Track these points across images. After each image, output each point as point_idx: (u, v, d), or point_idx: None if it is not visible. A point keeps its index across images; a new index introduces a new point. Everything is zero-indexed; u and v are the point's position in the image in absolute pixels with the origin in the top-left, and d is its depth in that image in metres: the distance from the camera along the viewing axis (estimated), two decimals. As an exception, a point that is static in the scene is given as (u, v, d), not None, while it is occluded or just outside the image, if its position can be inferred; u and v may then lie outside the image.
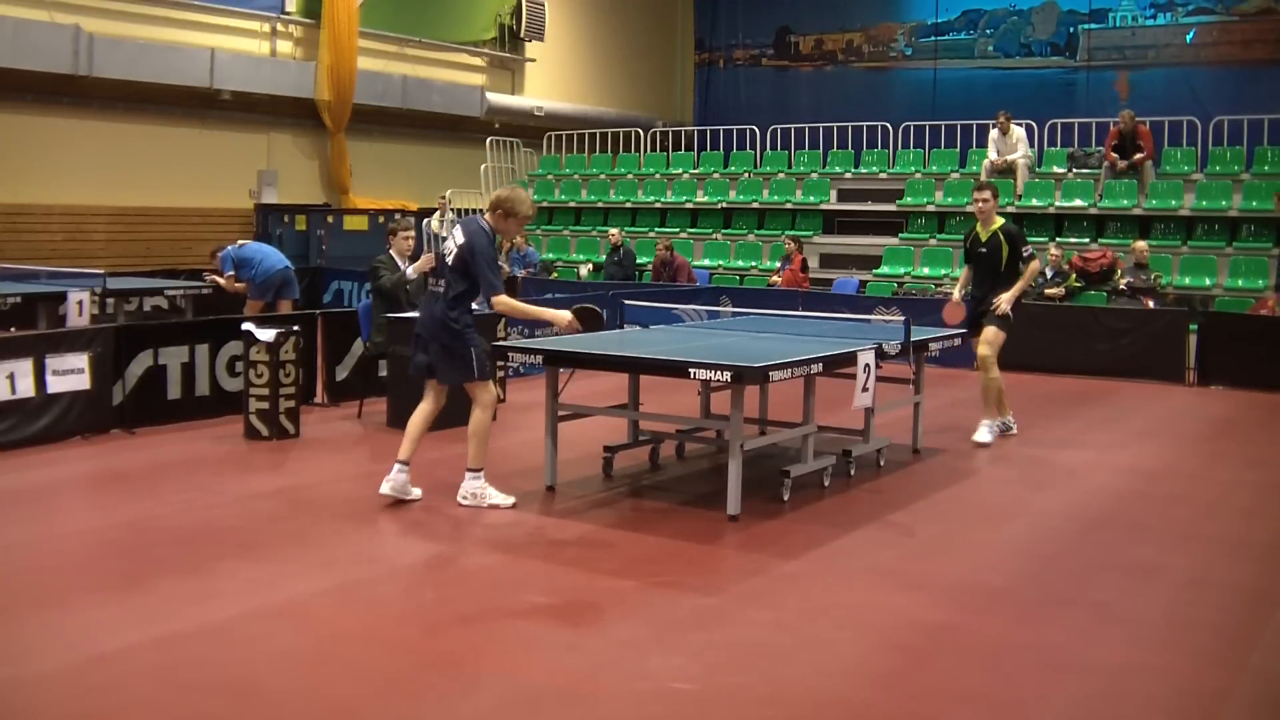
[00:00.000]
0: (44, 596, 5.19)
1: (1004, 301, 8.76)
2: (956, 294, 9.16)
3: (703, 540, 6.22)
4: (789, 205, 18.57)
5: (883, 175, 18.45)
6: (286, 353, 8.68)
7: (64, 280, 12.02)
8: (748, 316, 10.14)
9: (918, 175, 17.98)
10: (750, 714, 4.12)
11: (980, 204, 8.96)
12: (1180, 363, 12.31)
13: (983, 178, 16.93)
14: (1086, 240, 15.82)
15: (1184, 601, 5.43)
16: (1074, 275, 14.49)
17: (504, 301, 6.54)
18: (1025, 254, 8.84)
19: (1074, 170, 16.88)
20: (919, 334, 8.17)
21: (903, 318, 8.28)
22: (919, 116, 20.09)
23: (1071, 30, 22.79)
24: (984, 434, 8.81)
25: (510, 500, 6.73)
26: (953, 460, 8.42)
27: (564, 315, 6.68)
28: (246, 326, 8.72)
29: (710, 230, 18.89)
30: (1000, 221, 8.97)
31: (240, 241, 12.74)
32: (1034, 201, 16.50)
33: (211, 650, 4.56)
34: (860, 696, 4.30)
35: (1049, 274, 14.37)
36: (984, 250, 8.95)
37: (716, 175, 19.80)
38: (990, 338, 8.84)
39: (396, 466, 6.72)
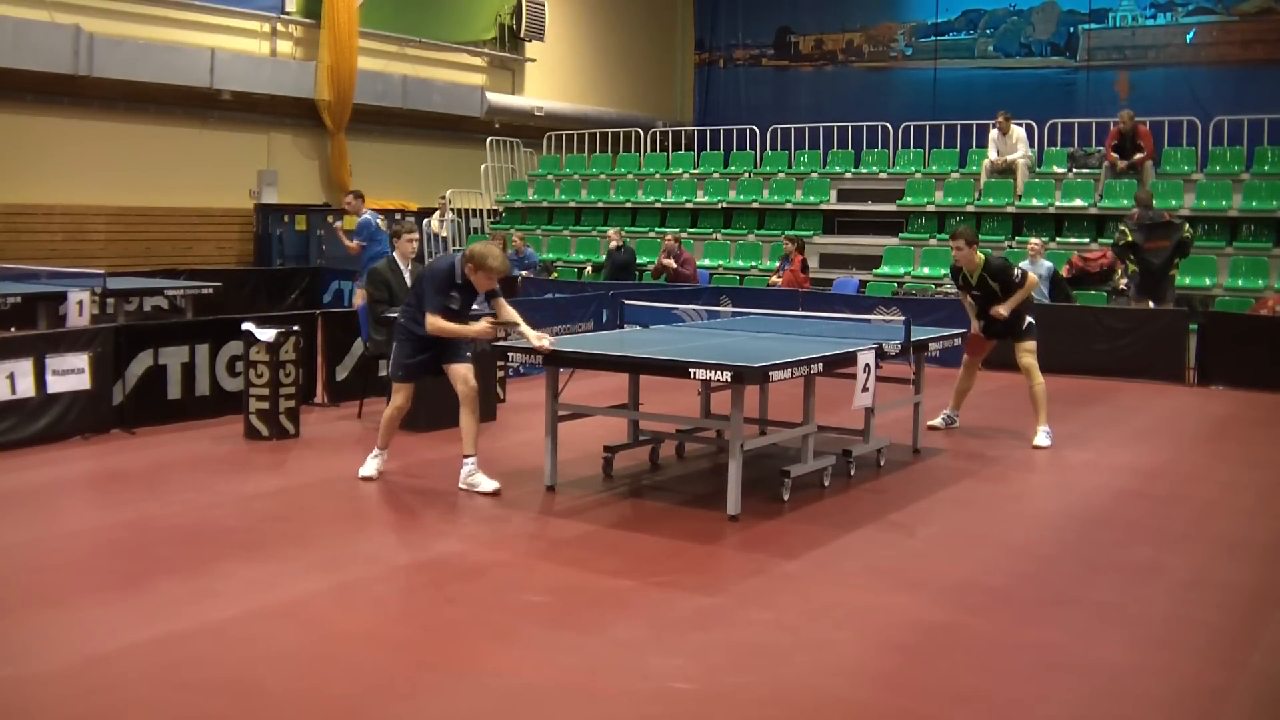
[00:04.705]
0: (44, 596, 5.19)
1: (1003, 308, 8.79)
2: (975, 325, 9.21)
3: (703, 540, 6.22)
4: (789, 205, 18.57)
5: (883, 175, 18.45)
6: (286, 353, 8.68)
7: (64, 280, 12.01)
8: (748, 316, 10.14)
9: (918, 175, 17.97)
10: (750, 714, 4.12)
11: (954, 252, 9.01)
12: (1180, 363, 12.31)
13: (984, 177, 16.99)
14: (1086, 240, 15.81)
15: (1184, 601, 5.43)
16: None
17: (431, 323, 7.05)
18: (1017, 280, 8.86)
19: (1074, 170, 16.88)
20: (919, 334, 8.18)
21: (903, 318, 8.28)
22: (919, 116, 20.09)
23: (1071, 30, 22.80)
24: (1042, 438, 8.80)
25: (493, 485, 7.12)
26: (953, 460, 8.42)
27: (480, 327, 7.10)
28: (246, 326, 8.72)
29: (710, 230, 18.89)
30: (982, 261, 8.89)
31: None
32: (1034, 201, 16.50)
33: (211, 650, 4.56)
34: (860, 696, 4.30)
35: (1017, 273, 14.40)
36: (977, 292, 9.01)
37: (716, 175, 19.80)
38: (1028, 348, 8.91)
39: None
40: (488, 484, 7.07)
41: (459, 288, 7.02)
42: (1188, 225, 13.46)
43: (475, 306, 7.30)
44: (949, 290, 14.32)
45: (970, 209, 16.83)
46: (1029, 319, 8.94)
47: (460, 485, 7.12)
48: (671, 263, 16.30)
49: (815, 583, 5.54)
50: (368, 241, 13.56)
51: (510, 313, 7.23)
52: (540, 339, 6.93)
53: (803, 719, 4.11)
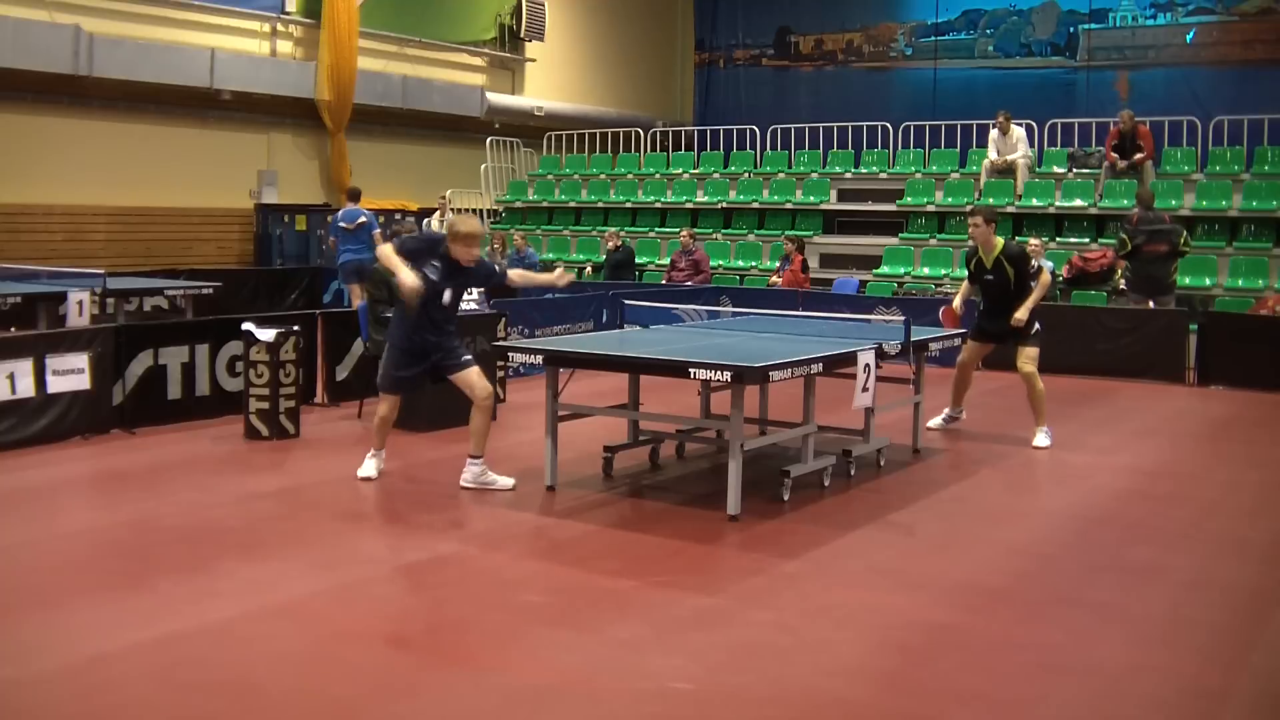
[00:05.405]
0: (44, 596, 5.20)
1: (1022, 312, 8.70)
2: (957, 302, 9.20)
3: (703, 540, 6.22)
4: (789, 205, 18.57)
5: (883, 175, 18.45)
6: (286, 353, 8.68)
7: (64, 280, 12.00)
8: (748, 316, 10.14)
9: (918, 175, 17.97)
10: (750, 714, 4.12)
11: (972, 230, 8.93)
12: (1180, 363, 12.31)
13: (984, 177, 16.99)
14: (1086, 240, 15.81)
15: (1184, 601, 5.43)
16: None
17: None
18: (1033, 270, 8.82)
19: (1074, 170, 16.88)
20: (919, 334, 8.17)
21: (903, 318, 8.28)
22: (919, 116, 20.09)
23: (1071, 30, 22.79)
24: (1042, 439, 8.77)
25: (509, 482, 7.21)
26: (953, 460, 8.42)
27: (409, 281, 6.80)
28: (246, 326, 8.72)
29: (710, 230, 18.88)
30: (1000, 244, 8.83)
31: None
32: (1034, 201, 16.50)
33: (211, 650, 4.56)
34: (860, 696, 4.30)
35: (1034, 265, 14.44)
36: (990, 276, 8.87)
37: (716, 175, 19.80)
38: (1030, 355, 8.83)
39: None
40: (505, 481, 7.14)
41: (442, 259, 6.97)
42: (1185, 234, 13.33)
43: (475, 304, 7.31)
44: (949, 290, 14.34)
45: (970, 209, 16.81)
46: (1036, 324, 8.87)
47: (468, 484, 7.11)
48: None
49: (815, 583, 5.54)
50: (336, 237, 14.75)
51: (527, 276, 7.83)
52: (556, 275, 7.57)
53: (803, 719, 4.11)
